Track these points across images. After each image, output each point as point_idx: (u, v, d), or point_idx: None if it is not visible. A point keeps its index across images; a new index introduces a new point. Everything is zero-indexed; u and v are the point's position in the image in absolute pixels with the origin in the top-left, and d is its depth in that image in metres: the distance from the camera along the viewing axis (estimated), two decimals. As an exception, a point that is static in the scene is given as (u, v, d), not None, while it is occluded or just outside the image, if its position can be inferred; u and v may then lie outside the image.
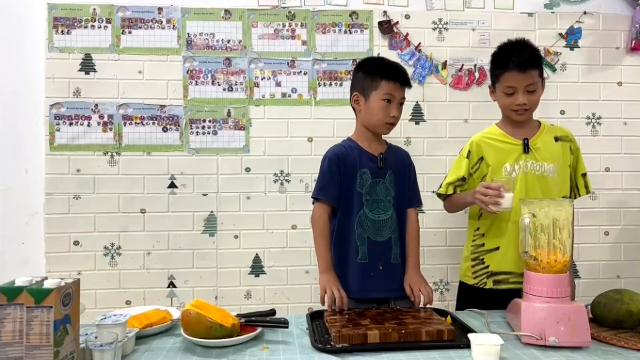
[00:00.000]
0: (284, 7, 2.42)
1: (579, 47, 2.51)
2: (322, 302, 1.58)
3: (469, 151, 1.75)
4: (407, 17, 2.46)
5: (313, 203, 1.71)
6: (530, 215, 1.36)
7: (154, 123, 2.38)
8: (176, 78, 2.39)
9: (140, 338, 1.31)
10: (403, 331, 1.27)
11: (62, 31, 2.34)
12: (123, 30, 2.37)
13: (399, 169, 1.72)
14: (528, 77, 1.64)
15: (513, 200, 1.53)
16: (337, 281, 1.60)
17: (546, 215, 1.34)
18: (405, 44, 2.46)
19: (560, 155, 1.73)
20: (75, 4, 2.34)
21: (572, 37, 2.51)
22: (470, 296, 1.74)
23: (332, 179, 1.66)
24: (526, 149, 1.69)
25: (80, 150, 2.34)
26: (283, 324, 1.35)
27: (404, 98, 1.69)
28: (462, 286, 1.82)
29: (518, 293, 1.47)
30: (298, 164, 2.42)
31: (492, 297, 1.67)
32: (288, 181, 2.42)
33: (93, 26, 2.36)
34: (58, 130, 2.33)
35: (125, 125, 2.37)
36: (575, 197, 1.77)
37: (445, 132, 2.47)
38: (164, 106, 2.38)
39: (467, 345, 1.21)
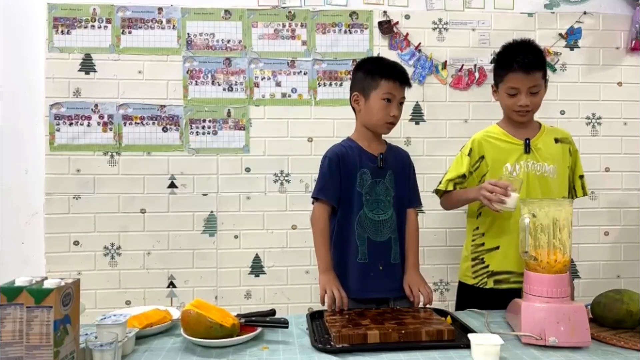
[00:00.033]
0: (284, 7, 2.42)
1: (579, 47, 2.51)
2: (322, 302, 1.57)
3: (471, 149, 1.75)
4: (407, 17, 2.46)
5: (313, 203, 1.70)
6: (530, 215, 1.36)
7: (154, 123, 2.38)
8: (176, 78, 2.39)
9: (140, 338, 1.31)
10: (403, 331, 1.27)
11: (62, 31, 2.34)
12: (123, 30, 2.37)
13: (399, 169, 1.72)
14: (532, 78, 1.64)
15: (517, 201, 1.52)
16: (337, 281, 1.60)
17: (546, 215, 1.34)
18: (405, 44, 2.46)
19: (560, 156, 1.73)
20: (75, 4, 2.34)
21: (572, 37, 2.51)
22: (470, 296, 1.74)
23: (332, 179, 1.66)
24: (527, 149, 1.70)
25: (80, 150, 2.34)
26: (283, 324, 1.35)
27: (403, 97, 1.69)
28: (462, 286, 1.82)
29: (518, 293, 1.47)
30: (298, 164, 2.42)
31: (492, 297, 1.67)
32: (288, 181, 2.42)
33: (93, 26, 2.36)
34: (58, 130, 2.33)
35: (125, 125, 2.37)
36: (572, 199, 1.77)
37: (445, 132, 2.47)
38: (164, 106, 2.38)
39: (467, 345, 1.21)
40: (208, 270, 2.39)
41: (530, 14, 2.50)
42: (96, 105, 2.36)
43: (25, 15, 2.34)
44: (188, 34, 2.39)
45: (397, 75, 1.65)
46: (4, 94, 2.32)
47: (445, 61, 2.46)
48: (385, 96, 1.63)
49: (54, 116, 2.33)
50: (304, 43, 2.43)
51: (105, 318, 1.22)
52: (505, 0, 2.49)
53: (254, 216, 2.41)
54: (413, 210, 1.77)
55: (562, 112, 2.50)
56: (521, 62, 1.63)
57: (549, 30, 2.49)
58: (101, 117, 2.36)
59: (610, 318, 1.37)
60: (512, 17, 2.49)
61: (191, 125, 2.39)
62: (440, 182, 1.80)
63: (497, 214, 1.67)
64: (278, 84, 2.42)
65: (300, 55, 2.43)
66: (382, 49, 2.45)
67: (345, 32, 2.44)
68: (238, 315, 1.36)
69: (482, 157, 1.74)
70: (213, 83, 2.40)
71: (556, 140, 1.75)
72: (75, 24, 2.35)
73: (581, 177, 1.79)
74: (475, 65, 2.47)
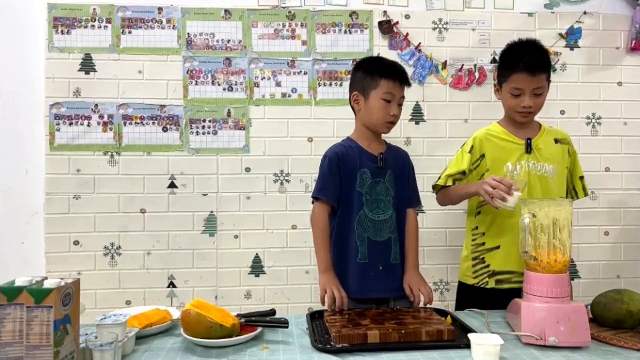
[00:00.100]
0: (284, 7, 2.42)
1: (579, 47, 2.51)
2: (322, 302, 1.57)
3: (472, 146, 1.74)
4: (407, 17, 2.46)
5: (313, 203, 1.71)
6: (530, 215, 1.36)
7: (154, 123, 2.38)
8: (176, 78, 2.39)
9: (140, 338, 1.31)
10: (403, 331, 1.27)
11: (62, 31, 2.34)
12: (123, 30, 2.37)
13: (398, 169, 1.72)
14: (537, 80, 1.63)
15: (518, 201, 1.52)
16: (337, 281, 1.60)
17: (546, 215, 1.34)
18: (405, 44, 2.46)
19: (559, 157, 1.73)
20: (75, 4, 2.34)
21: (572, 37, 2.51)
22: (470, 296, 1.74)
23: (332, 178, 1.66)
24: (528, 149, 1.69)
25: (80, 150, 2.34)
26: (283, 324, 1.35)
27: (403, 97, 1.69)
28: (462, 286, 1.82)
29: (517, 293, 1.47)
30: (298, 164, 2.42)
31: (492, 297, 1.67)
32: (288, 181, 2.42)
33: (93, 26, 2.36)
34: (58, 130, 2.33)
35: (125, 125, 2.37)
36: (573, 199, 1.77)
37: (445, 132, 2.47)
38: (164, 106, 2.38)
39: (467, 345, 1.21)
40: (208, 270, 2.39)
41: (530, 14, 2.50)
42: (96, 105, 2.36)
43: (25, 15, 2.34)
44: (188, 34, 2.39)
45: (396, 75, 1.65)
46: (4, 94, 2.32)
47: (445, 61, 2.46)
48: (385, 96, 1.63)
49: (54, 116, 2.33)
50: (304, 43, 2.43)
51: (105, 318, 1.22)
52: (505, 0, 2.49)
53: (254, 216, 2.41)
54: (413, 210, 1.77)
55: (562, 112, 2.50)
56: (527, 63, 1.61)
57: (549, 30, 2.49)
58: (101, 117, 2.36)
59: (610, 318, 1.37)
60: (512, 17, 2.49)
61: (191, 125, 2.39)
62: (439, 178, 1.79)
63: (496, 213, 1.67)
64: (278, 84, 2.42)
65: (300, 55, 2.43)
66: (382, 49, 2.45)
67: (345, 32, 2.44)
68: (238, 315, 1.36)
69: (483, 156, 1.74)
70: (213, 83, 2.40)
71: (556, 141, 1.75)
72: (75, 24, 2.35)
73: (581, 178, 1.80)
74: (475, 65, 2.47)
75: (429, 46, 2.46)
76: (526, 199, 1.45)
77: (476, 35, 2.48)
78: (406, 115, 2.43)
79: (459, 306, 1.77)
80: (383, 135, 1.74)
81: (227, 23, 2.41)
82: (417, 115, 2.46)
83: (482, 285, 1.73)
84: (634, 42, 2.49)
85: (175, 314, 1.45)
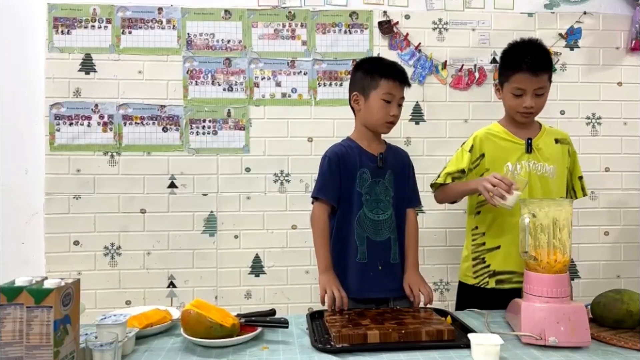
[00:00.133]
0: (284, 7, 2.42)
1: (579, 47, 2.51)
2: (322, 302, 1.57)
3: (472, 145, 1.74)
4: (407, 17, 2.46)
5: (312, 202, 1.71)
6: (530, 215, 1.36)
7: (154, 123, 2.38)
8: (176, 78, 2.39)
9: (140, 338, 1.31)
10: (403, 331, 1.27)
11: (62, 31, 2.34)
12: (123, 30, 2.37)
13: (398, 169, 1.72)
14: (539, 80, 1.62)
15: (517, 200, 1.51)
16: (337, 281, 1.60)
17: (546, 215, 1.34)
18: (405, 44, 2.46)
19: (559, 157, 1.73)
20: (75, 4, 2.34)
21: (572, 37, 2.51)
22: (470, 296, 1.74)
23: (332, 178, 1.66)
24: (529, 149, 1.69)
25: (80, 150, 2.34)
26: (283, 324, 1.35)
27: (403, 98, 1.69)
28: (462, 286, 1.82)
29: (518, 293, 1.47)
30: (298, 164, 2.42)
31: (492, 297, 1.67)
32: (288, 181, 2.42)
33: (93, 26, 2.36)
34: (58, 130, 2.33)
35: (125, 125, 2.37)
36: (572, 199, 1.77)
37: (445, 132, 2.47)
38: (164, 106, 2.38)
39: (467, 345, 1.21)
40: (208, 270, 2.39)
41: (530, 14, 2.50)
42: (96, 105, 2.36)
43: (25, 15, 2.34)
44: (188, 34, 2.39)
45: (396, 75, 1.65)
46: (4, 94, 2.32)
47: (445, 61, 2.46)
48: (385, 96, 1.63)
49: (54, 116, 2.33)
50: (304, 43, 2.43)
51: (105, 318, 1.22)
52: (505, 0, 2.49)
53: (254, 216, 2.41)
54: (412, 210, 1.77)
55: (562, 112, 2.50)
56: (529, 63, 1.60)
57: (549, 30, 2.49)
58: (101, 117, 2.36)
59: (610, 318, 1.37)
60: (512, 17, 2.49)
61: (191, 125, 2.39)
62: (438, 176, 1.79)
63: (497, 213, 1.67)
64: (278, 84, 2.42)
65: (300, 55, 2.43)
66: (382, 49, 2.45)
67: (345, 32, 2.44)
68: (238, 315, 1.36)
69: (483, 155, 1.73)
70: (213, 83, 2.40)
71: (556, 141, 1.75)
72: (75, 24, 2.35)
73: (580, 178, 1.80)
74: (475, 65, 2.47)
75: (429, 46, 2.46)
76: (526, 199, 1.45)
77: (476, 36, 2.48)
78: (406, 115, 2.43)
79: (459, 306, 1.77)
80: (383, 135, 1.74)
81: (227, 23, 2.41)
82: (417, 115, 2.46)
83: (482, 286, 1.73)
84: (634, 42, 2.49)
85: (175, 314, 1.45)
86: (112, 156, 2.36)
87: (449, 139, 2.44)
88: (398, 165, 1.73)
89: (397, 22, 2.44)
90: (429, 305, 1.62)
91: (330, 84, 2.43)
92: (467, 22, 2.48)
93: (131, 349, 1.24)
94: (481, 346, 1.16)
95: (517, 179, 1.55)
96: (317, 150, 2.35)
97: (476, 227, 1.77)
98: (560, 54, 2.50)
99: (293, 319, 1.47)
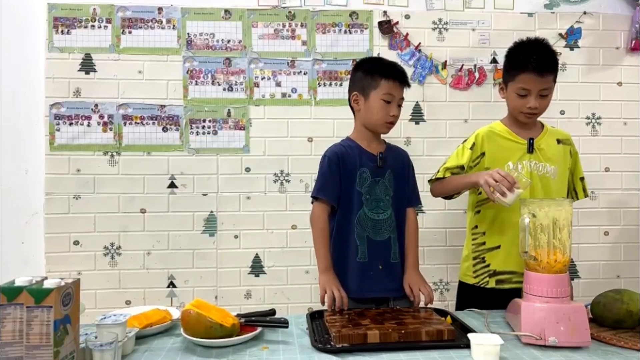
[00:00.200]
0: (284, 7, 2.42)
1: (579, 47, 2.51)
2: (322, 302, 1.57)
3: (474, 143, 1.73)
4: (407, 17, 2.46)
5: (312, 202, 1.71)
6: (530, 215, 1.36)
7: (154, 123, 2.38)
8: (176, 78, 2.39)
9: (140, 338, 1.31)
10: (403, 331, 1.27)
11: (62, 31, 2.34)
12: (123, 30, 2.37)
13: (398, 169, 1.72)
14: (544, 81, 1.61)
15: (517, 199, 1.50)
16: (337, 281, 1.60)
17: (546, 215, 1.34)
18: (405, 44, 2.46)
19: (561, 157, 1.73)
20: (75, 4, 2.34)
21: (572, 37, 2.51)
22: (470, 296, 1.74)
23: (332, 178, 1.66)
24: (531, 149, 1.69)
25: (80, 150, 2.34)
26: (283, 324, 1.35)
27: (402, 98, 1.69)
28: (462, 286, 1.82)
29: (518, 293, 1.47)
30: (298, 164, 2.42)
31: (493, 297, 1.67)
32: (288, 181, 2.42)
33: (93, 26, 2.36)
34: (58, 130, 2.33)
35: (125, 125, 2.37)
36: (573, 200, 1.77)
37: (445, 132, 2.46)
38: (164, 106, 2.38)
39: (467, 345, 1.21)
40: (208, 270, 2.39)
41: (530, 14, 2.50)
42: (96, 105, 2.36)
43: (25, 15, 2.34)
44: (188, 34, 2.39)
45: (396, 75, 1.65)
46: (4, 94, 2.32)
47: (445, 61, 2.46)
48: (385, 96, 1.63)
49: (54, 116, 2.33)
50: (304, 43, 2.43)
51: (105, 318, 1.22)
52: (505, 0, 2.49)
53: (254, 216, 2.41)
54: (412, 210, 1.77)
55: (562, 112, 2.50)
56: (536, 64, 1.59)
57: (549, 30, 2.49)
58: (101, 117, 2.36)
59: (610, 318, 1.37)
60: (512, 17, 2.49)
61: (191, 125, 2.39)
62: (437, 171, 1.78)
63: (497, 212, 1.67)
64: (278, 84, 2.42)
65: (300, 55, 2.43)
66: (382, 49, 2.45)
67: (345, 32, 2.44)
68: (238, 315, 1.36)
69: (483, 154, 1.73)
70: (213, 83, 2.40)
71: (558, 141, 1.74)
72: (75, 24, 2.35)
73: (582, 179, 1.80)
74: (475, 65, 2.47)
75: (429, 46, 2.46)
76: (526, 199, 1.45)
77: (476, 36, 2.48)
78: (406, 115, 2.43)
79: (459, 306, 1.77)
80: (383, 135, 1.74)
81: (227, 23, 2.41)
82: (417, 115, 2.46)
83: (482, 285, 1.73)
84: (633, 42, 2.49)
85: (175, 314, 1.45)
86: (112, 156, 2.36)
87: (448, 139, 2.43)
88: (398, 165, 1.73)
89: (397, 22, 2.44)
90: (429, 305, 1.62)
91: (330, 84, 2.43)
92: (467, 22, 2.48)
93: (131, 349, 1.24)
94: (481, 346, 1.16)
95: (520, 178, 1.55)
96: (317, 150, 2.35)
97: (476, 227, 1.77)
98: (560, 54, 2.49)
99: (293, 319, 1.47)
